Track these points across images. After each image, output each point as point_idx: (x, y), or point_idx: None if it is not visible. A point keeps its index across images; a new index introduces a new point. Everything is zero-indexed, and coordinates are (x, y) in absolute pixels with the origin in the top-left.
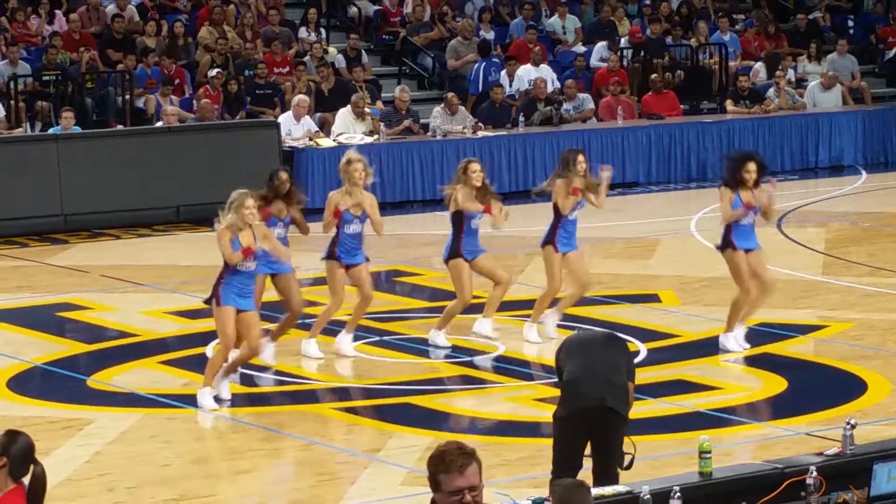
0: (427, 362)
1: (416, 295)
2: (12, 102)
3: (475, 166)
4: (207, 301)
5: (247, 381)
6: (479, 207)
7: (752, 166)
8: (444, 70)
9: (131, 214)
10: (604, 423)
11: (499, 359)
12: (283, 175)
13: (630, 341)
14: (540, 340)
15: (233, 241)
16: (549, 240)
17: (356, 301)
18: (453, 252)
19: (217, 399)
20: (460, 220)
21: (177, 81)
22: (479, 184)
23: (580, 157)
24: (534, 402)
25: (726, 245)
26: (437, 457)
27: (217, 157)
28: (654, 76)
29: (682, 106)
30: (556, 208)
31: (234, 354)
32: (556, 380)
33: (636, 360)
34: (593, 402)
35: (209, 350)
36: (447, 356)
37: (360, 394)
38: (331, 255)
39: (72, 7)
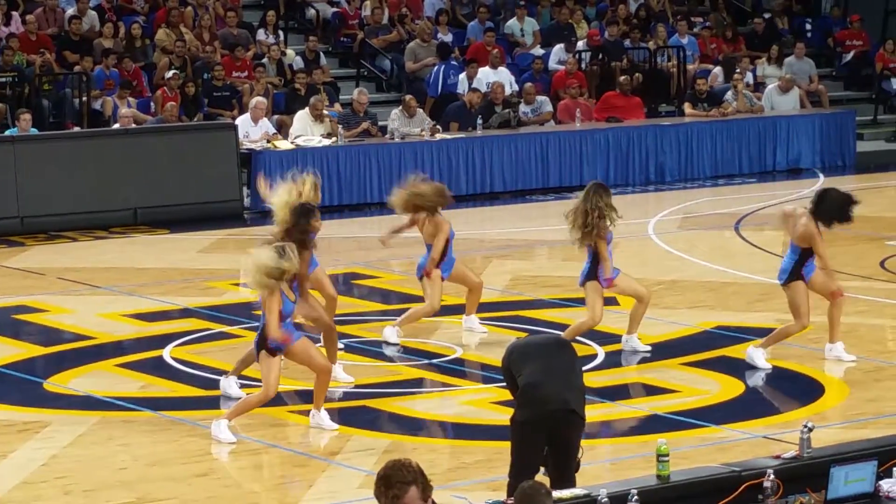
0: (385, 365)
1: (374, 297)
2: None
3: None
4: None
5: (204, 383)
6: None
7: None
8: (402, 72)
9: (88, 217)
10: (566, 426)
11: (456, 361)
12: (318, 224)
13: (588, 345)
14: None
15: (284, 299)
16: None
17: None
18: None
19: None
20: None
21: (135, 83)
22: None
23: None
24: (491, 405)
25: (794, 277)
26: (380, 478)
27: (174, 159)
28: (623, 78)
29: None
30: None
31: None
32: (507, 385)
33: (595, 364)
34: (556, 405)
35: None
36: (403, 358)
37: None
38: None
39: (28, 9)
